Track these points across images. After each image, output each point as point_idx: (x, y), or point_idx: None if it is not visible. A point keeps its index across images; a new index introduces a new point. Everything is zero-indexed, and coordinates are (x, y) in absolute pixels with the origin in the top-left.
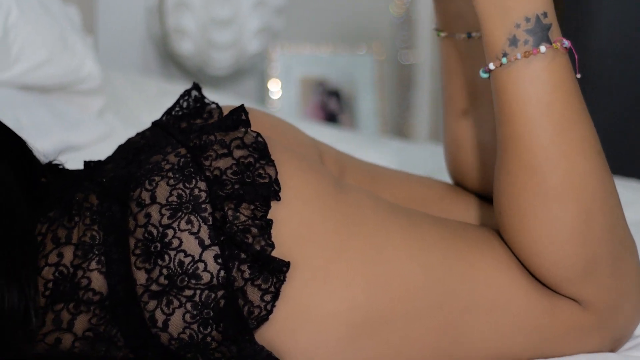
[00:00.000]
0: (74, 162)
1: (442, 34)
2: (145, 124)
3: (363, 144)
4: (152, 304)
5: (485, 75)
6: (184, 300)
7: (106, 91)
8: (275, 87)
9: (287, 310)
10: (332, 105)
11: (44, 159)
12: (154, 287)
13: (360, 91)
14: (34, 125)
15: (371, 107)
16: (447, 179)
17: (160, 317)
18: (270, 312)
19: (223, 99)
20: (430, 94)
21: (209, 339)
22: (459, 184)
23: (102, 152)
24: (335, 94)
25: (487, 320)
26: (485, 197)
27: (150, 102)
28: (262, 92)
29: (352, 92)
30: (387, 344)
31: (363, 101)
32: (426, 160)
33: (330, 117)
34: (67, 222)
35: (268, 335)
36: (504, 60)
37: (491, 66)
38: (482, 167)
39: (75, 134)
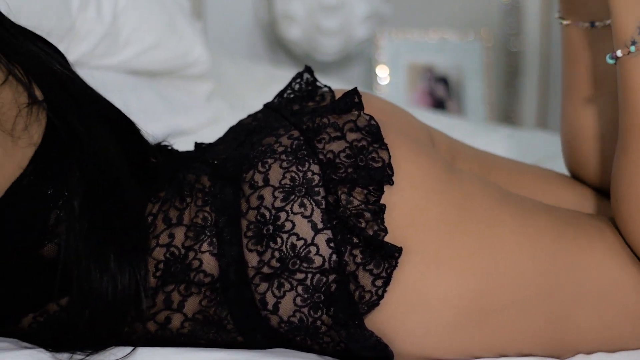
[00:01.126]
0: (181, 146)
1: (565, 22)
2: (253, 109)
3: (471, 131)
4: (263, 286)
5: (611, 61)
6: (295, 283)
7: (214, 76)
8: (382, 74)
9: (398, 296)
10: (439, 91)
11: (152, 141)
12: (265, 269)
13: (468, 78)
14: (142, 110)
15: (479, 94)
16: (556, 166)
17: (270, 299)
18: (381, 297)
19: (331, 84)
20: (537, 81)
21: (319, 322)
22: (575, 174)
23: (210, 136)
24: (443, 80)
25: (595, 309)
26: (599, 190)
27: (258, 87)
28: (370, 78)
29: (459, 78)
30: (495, 331)
31: (471, 88)
32: (535, 147)
33: (438, 104)
34: (178, 203)
35: (378, 320)
36: (632, 48)
37: (619, 53)
38: (600, 157)
39: (183, 119)
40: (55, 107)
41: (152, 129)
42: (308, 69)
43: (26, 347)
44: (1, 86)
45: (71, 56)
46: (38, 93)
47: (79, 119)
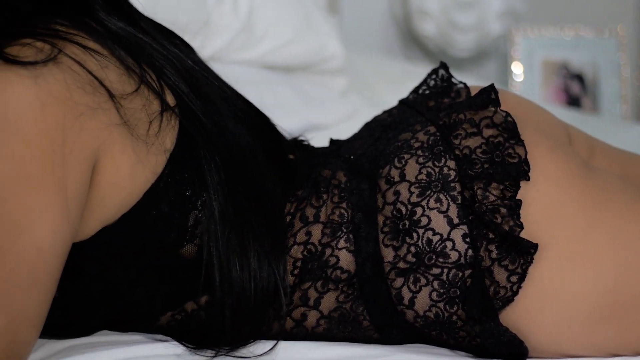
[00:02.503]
0: (317, 141)
1: None
2: (387, 105)
3: (606, 129)
4: (399, 281)
5: None
6: (431, 278)
7: (349, 71)
8: (517, 70)
9: (533, 292)
10: (574, 88)
11: (288, 136)
12: (401, 264)
13: (603, 75)
14: (278, 104)
15: (614, 91)
16: None
17: (406, 294)
18: (516, 293)
19: (465, 81)
20: None
21: (454, 317)
22: None
23: (346, 132)
24: (578, 77)
25: None
26: None
27: (393, 83)
28: (504, 75)
29: (595, 75)
30: (631, 327)
31: (606, 85)
32: None
33: (573, 101)
34: (315, 200)
35: (512, 316)
36: None
37: None
38: None
39: (319, 114)
40: (187, 110)
41: (287, 123)
42: (443, 65)
43: (160, 340)
44: (133, 94)
45: (207, 51)
46: (170, 99)
47: (213, 119)
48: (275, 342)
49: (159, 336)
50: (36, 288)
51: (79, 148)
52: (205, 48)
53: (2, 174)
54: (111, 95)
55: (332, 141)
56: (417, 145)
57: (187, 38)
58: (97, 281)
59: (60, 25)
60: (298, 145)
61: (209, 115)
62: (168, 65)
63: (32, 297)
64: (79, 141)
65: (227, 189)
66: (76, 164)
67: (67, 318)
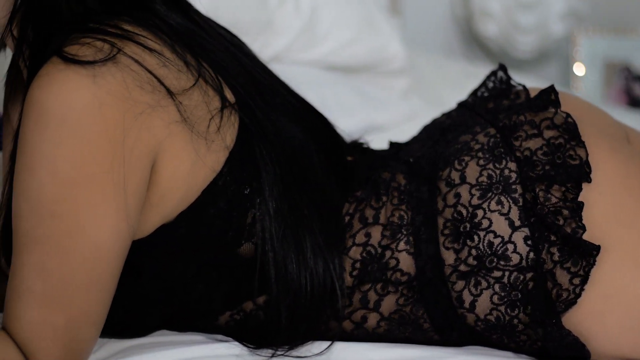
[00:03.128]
0: (378, 143)
1: None
2: (448, 106)
3: None
4: (459, 284)
5: None
6: (492, 281)
7: (410, 72)
8: (579, 72)
9: (596, 294)
10: (636, 90)
11: (348, 138)
12: (462, 267)
13: None
14: (339, 105)
15: None
16: None
17: (467, 297)
18: (578, 295)
19: (526, 82)
20: None
21: (515, 321)
22: None
23: (406, 133)
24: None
25: None
26: None
27: (454, 84)
28: (566, 76)
29: None
30: None
31: None
32: None
33: (634, 102)
34: (374, 202)
35: (574, 319)
36: None
37: None
38: None
39: (379, 114)
40: (247, 109)
41: (348, 124)
42: (502, 67)
43: (220, 340)
44: (190, 89)
45: (268, 52)
46: (229, 95)
47: (269, 117)
48: (330, 342)
49: (219, 336)
50: (96, 287)
51: (139, 147)
52: (267, 48)
53: (60, 173)
54: (170, 93)
55: (391, 144)
56: (477, 147)
57: (248, 39)
58: (156, 280)
59: (124, 22)
60: (357, 147)
61: (266, 113)
62: (226, 62)
63: (92, 295)
64: (138, 140)
65: (282, 186)
66: (135, 163)
67: (126, 317)
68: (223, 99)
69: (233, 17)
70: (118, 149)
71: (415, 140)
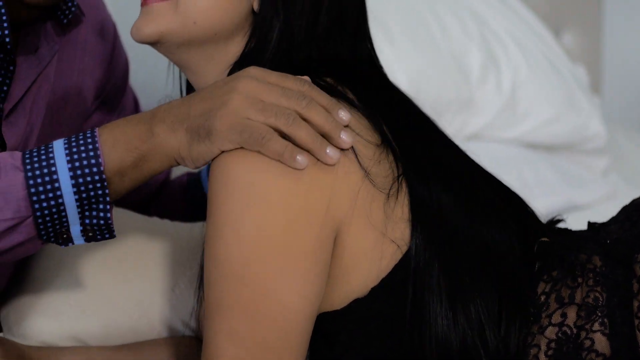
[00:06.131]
0: (577, 222)
1: None
2: None
3: None
4: None
5: None
6: None
7: (609, 150)
8: None
9: None
10: None
11: (544, 219)
12: None
13: None
14: (538, 183)
15: None
16: None
17: None
18: None
19: None
20: None
21: None
22: None
23: (606, 212)
24: None
25: None
26: None
27: None
28: None
29: None
30: None
31: None
32: None
33: None
34: (570, 282)
35: None
36: None
37: None
38: None
39: (579, 194)
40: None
41: (547, 203)
42: None
43: None
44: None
45: (469, 128)
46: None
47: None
48: None
49: None
50: (287, 351)
51: (324, 216)
52: (468, 125)
53: (246, 237)
54: (364, 171)
55: (590, 224)
56: None
57: (448, 117)
58: (349, 351)
59: (331, 78)
60: (553, 228)
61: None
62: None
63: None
64: (323, 209)
65: (451, 265)
66: (320, 232)
67: None
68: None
69: (436, 94)
70: (303, 215)
71: (613, 221)
